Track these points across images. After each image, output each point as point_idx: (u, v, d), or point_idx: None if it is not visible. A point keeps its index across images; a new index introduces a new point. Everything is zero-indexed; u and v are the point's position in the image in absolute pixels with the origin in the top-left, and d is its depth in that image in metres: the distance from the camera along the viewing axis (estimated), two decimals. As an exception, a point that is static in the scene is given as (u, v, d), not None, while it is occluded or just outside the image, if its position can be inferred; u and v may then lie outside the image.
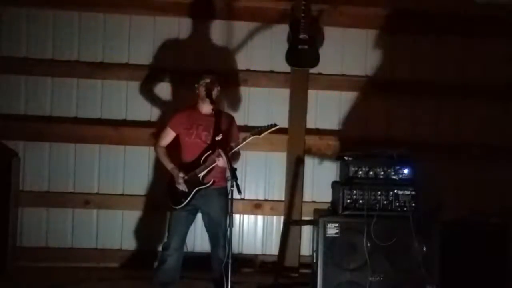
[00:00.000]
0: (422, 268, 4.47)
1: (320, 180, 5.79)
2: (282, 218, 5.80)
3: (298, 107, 5.80)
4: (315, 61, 5.61)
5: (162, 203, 4.89)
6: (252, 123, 5.77)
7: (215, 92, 4.58)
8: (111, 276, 5.40)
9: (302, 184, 5.78)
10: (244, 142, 4.45)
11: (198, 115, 4.61)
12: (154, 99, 5.74)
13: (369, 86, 5.89)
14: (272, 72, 5.86)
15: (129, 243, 5.76)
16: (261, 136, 4.46)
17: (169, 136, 4.68)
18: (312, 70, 5.77)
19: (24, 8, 5.66)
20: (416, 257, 4.48)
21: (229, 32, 5.83)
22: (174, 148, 4.70)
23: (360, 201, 4.61)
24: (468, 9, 5.83)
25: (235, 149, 4.45)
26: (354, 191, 4.62)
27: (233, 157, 4.40)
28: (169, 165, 4.60)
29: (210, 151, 4.47)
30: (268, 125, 4.48)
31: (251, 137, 4.44)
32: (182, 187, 4.48)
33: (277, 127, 4.51)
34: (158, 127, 5.37)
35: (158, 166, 5.51)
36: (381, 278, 4.53)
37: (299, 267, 5.73)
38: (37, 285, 5.15)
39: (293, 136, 5.77)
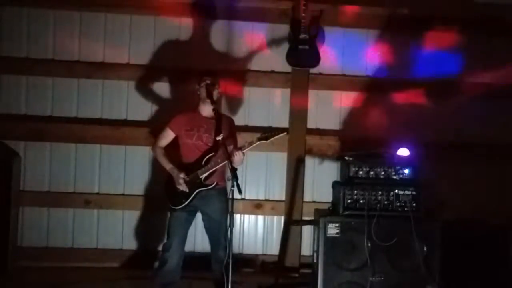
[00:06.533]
0: (422, 268, 4.47)
1: (321, 180, 5.79)
2: (282, 218, 5.80)
3: (298, 107, 5.80)
4: (315, 61, 5.61)
5: (162, 203, 4.88)
6: (252, 123, 5.78)
7: (215, 93, 4.58)
8: (111, 276, 5.40)
9: (303, 184, 5.78)
10: (251, 147, 4.42)
11: (199, 117, 4.61)
12: (153, 98, 5.74)
13: (369, 86, 5.89)
14: (272, 72, 5.85)
15: (130, 243, 5.76)
16: (268, 141, 4.45)
17: (168, 137, 4.68)
18: (312, 70, 5.77)
19: (25, 8, 5.65)
20: (417, 257, 4.48)
21: (229, 32, 5.83)
22: (171, 149, 4.71)
23: (361, 201, 4.62)
24: (468, 9, 5.84)
25: (245, 151, 4.44)
26: (355, 191, 4.63)
27: (233, 159, 4.39)
28: (168, 165, 4.59)
29: (213, 153, 4.48)
30: (275, 130, 4.51)
31: (258, 142, 4.42)
32: (183, 187, 4.48)
33: (285, 133, 4.56)
34: (158, 127, 5.36)
35: (158, 166, 5.49)
36: (382, 278, 4.53)
37: (299, 267, 5.73)
38: (37, 285, 5.15)
39: (293, 136, 5.76)
